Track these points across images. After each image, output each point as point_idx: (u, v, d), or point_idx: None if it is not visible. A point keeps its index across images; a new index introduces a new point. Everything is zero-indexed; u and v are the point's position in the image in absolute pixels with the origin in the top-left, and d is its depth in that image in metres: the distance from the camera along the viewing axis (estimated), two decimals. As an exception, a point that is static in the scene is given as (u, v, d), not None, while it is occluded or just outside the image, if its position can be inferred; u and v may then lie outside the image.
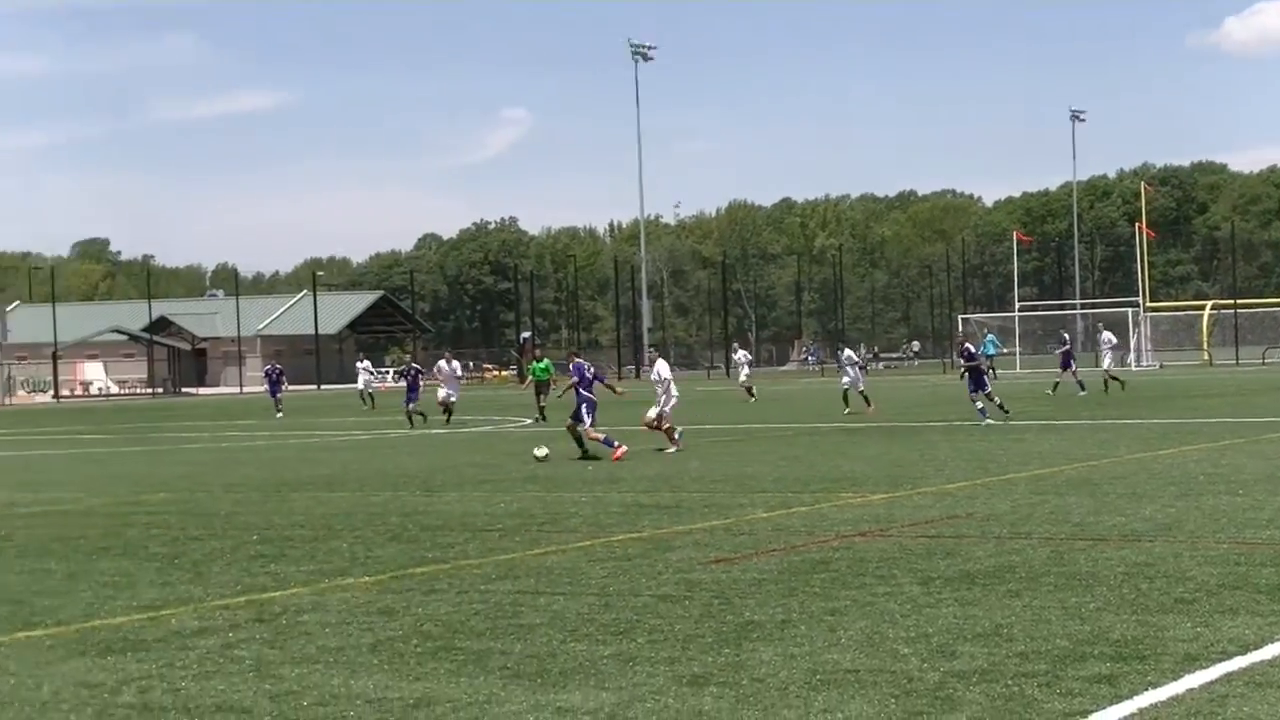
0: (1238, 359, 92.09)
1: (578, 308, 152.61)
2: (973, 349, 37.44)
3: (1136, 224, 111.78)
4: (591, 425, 28.21)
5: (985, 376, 36.17)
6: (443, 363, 45.87)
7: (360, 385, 60.43)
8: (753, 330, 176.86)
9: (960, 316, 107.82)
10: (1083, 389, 48.38)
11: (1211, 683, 8.70)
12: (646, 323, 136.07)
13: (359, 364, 62.92)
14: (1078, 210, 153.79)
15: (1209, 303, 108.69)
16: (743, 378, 58.23)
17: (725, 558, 14.25)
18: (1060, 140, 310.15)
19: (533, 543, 15.85)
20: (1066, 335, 54.69)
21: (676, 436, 29.33)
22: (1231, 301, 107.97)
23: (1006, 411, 35.09)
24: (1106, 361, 52.79)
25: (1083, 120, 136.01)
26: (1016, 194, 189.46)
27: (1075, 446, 27.24)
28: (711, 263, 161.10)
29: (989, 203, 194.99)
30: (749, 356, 61.73)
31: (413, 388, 44.50)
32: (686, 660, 9.71)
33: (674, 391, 30.62)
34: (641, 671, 9.42)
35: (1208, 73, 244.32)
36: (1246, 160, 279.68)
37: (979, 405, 35.02)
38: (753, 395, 54.88)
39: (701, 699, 8.66)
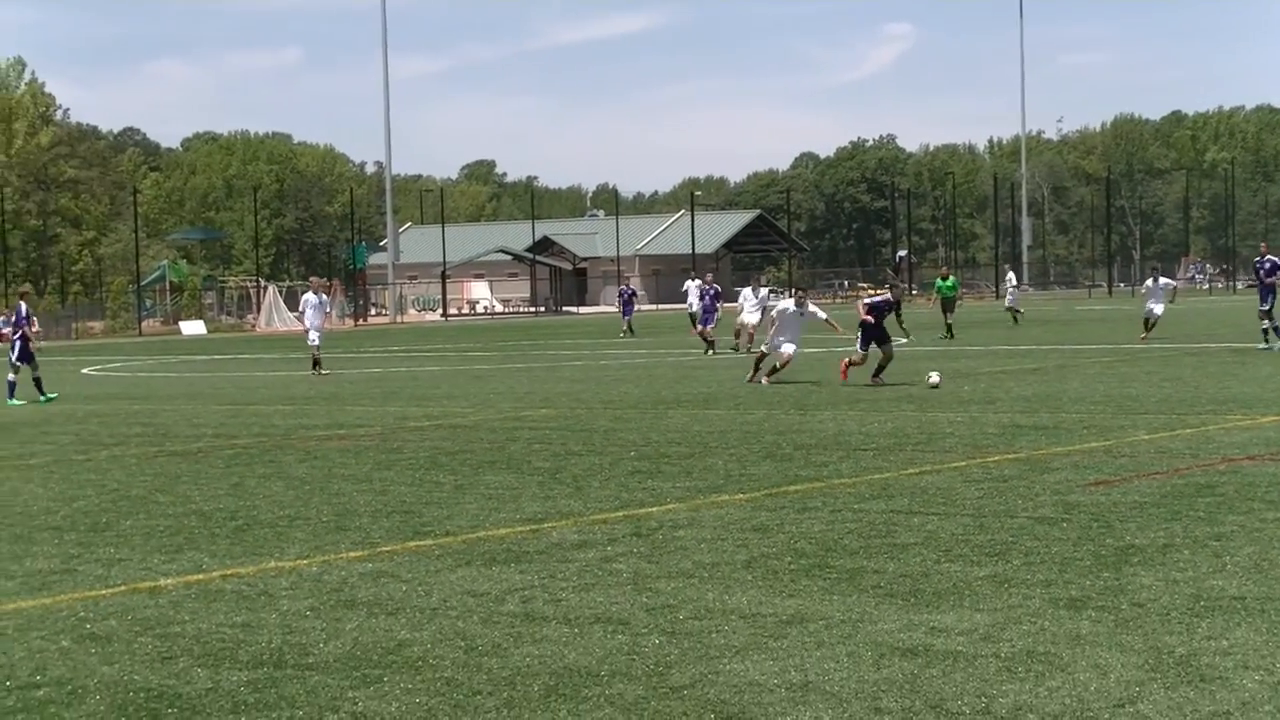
0: None
1: (955, 225, 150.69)
2: (1277, 260, 35.19)
3: None
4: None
5: (1273, 295, 34.02)
6: (748, 290, 41.58)
7: (690, 305, 58.95)
8: (1137, 248, 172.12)
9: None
10: None
11: None
12: (1026, 240, 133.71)
13: (690, 282, 62.42)
14: None
15: None
16: (1009, 301, 56.26)
17: (1105, 480, 13.94)
18: None
19: (907, 462, 15.76)
20: None
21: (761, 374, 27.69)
22: None
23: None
24: None
25: None
26: None
27: None
28: (1095, 178, 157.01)
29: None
30: (1015, 281, 60.13)
31: (709, 310, 42.43)
32: (1063, 583, 9.54)
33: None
34: (1017, 593, 9.30)
35: None
36: None
37: (1264, 326, 33.47)
38: (1016, 320, 53.13)
39: (1079, 622, 8.50)
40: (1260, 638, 8.04)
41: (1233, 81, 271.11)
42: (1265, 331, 33.72)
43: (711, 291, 43.32)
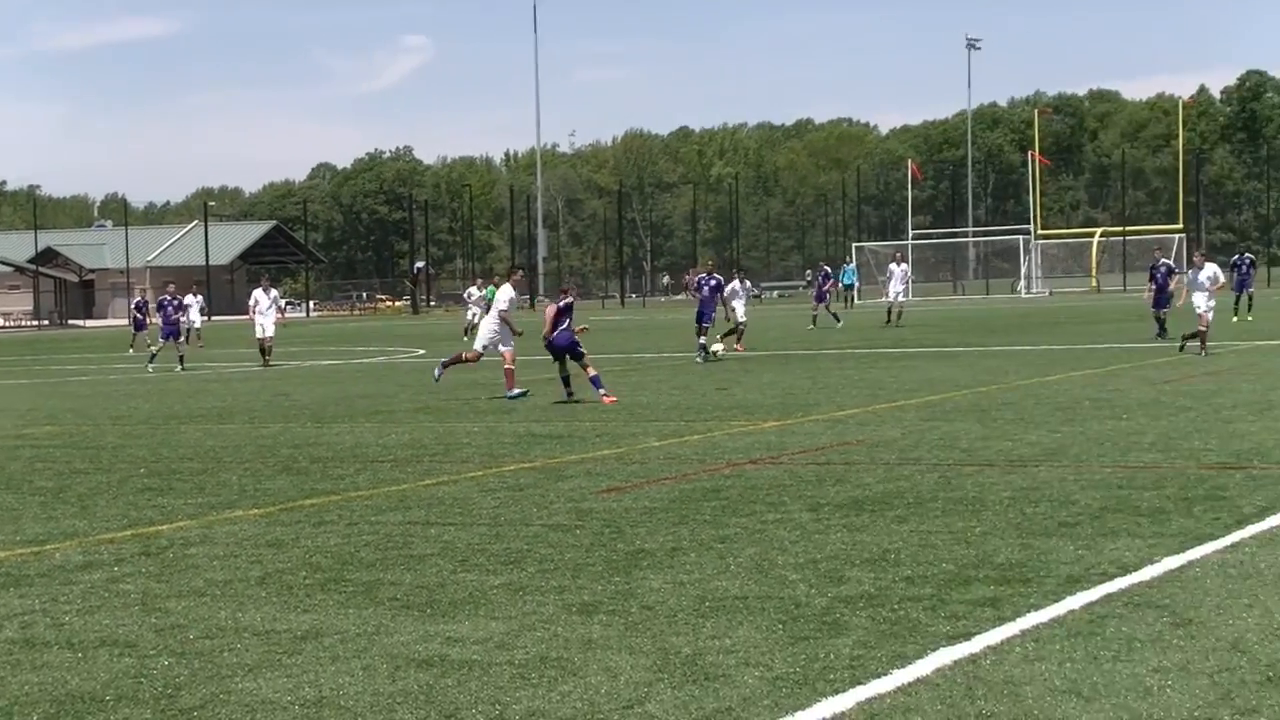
0: (1125, 285, 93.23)
1: (473, 237, 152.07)
2: (721, 280, 36.63)
3: (1030, 152, 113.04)
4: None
5: (708, 313, 35.21)
6: (259, 292, 40.80)
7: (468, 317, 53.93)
8: (648, 259, 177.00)
9: (854, 245, 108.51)
10: (838, 320, 50.70)
11: (1092, 603, 8.80)
12: (541, 252, 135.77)
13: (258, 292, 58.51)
14: (972, 138, 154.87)
15: (1098, 230, 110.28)
16: (470, 317, 51.42)
17: (617, 486, 14.27)
18: (957, 68, 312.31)
19: (424, 473, 15.80)
20: (828, 269, 56.20)
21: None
22: (1120, 229, 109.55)
23: (707, 353, 34.42)
24: (895, 294, 53.04)
25: (978, 48, 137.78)
26: (914, 122, 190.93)
27: (965, 373, 27.51)
28: (607, 192, 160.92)
29: (884, 131, 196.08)
30: (475, 295, 54.16)
31: (169, 322, 40.29)
32: (576, 589, 9.72)
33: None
34: (531, 600, 9.42)
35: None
36: (1138, 88, 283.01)
37: (701, 341, 34.58)
38: (468, 335, 48.10)
39: (590, 627, 8.67)
40: (760, 635, 8.36)
41: (736, 99, 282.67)
42: (705, 348, 34.58)
43: (174, 303, 41.03)
